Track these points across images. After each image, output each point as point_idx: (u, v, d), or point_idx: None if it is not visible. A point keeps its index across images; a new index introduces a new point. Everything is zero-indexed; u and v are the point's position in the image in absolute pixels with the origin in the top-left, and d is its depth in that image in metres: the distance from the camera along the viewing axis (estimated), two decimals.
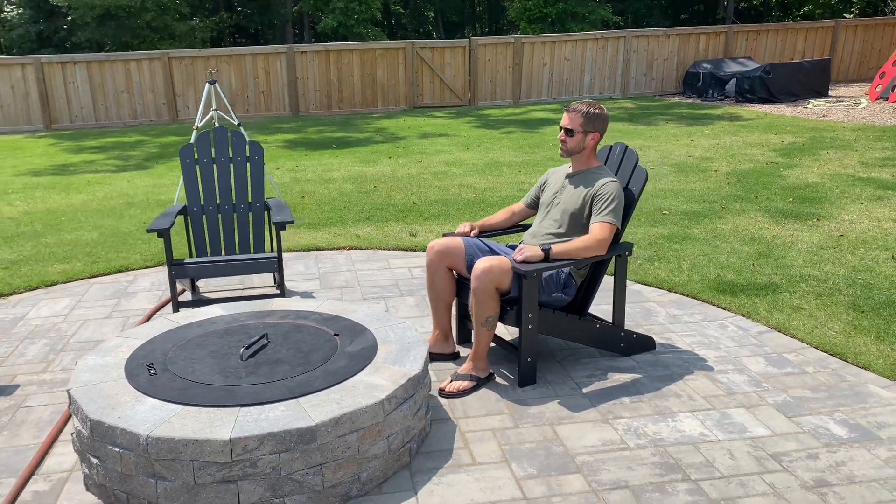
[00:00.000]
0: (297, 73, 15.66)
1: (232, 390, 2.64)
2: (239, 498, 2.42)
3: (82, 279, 5.05)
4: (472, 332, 3.45)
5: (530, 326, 3.33)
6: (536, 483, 2.67)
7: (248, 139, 4.65)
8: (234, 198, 4.61)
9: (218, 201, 4.59)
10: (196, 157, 4.58)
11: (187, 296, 4.68)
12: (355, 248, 5.67)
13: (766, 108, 13.86)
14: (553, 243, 3.43)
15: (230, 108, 6.92)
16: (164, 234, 4.02)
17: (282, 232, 6.03)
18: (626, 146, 3.77)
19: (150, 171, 9.48)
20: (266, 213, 4.62)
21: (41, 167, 10.05)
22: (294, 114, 15.81)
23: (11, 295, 4.78)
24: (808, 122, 11.88)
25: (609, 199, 3.42)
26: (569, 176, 3.65)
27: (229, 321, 3.31)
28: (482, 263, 3.27)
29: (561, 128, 3.53)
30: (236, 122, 6.83)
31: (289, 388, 2.65)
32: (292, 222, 4.11)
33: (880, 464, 2.76)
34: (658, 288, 4.70)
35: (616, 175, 3.74)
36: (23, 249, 5.82)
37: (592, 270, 3.65)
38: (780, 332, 3.99)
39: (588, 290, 3.65)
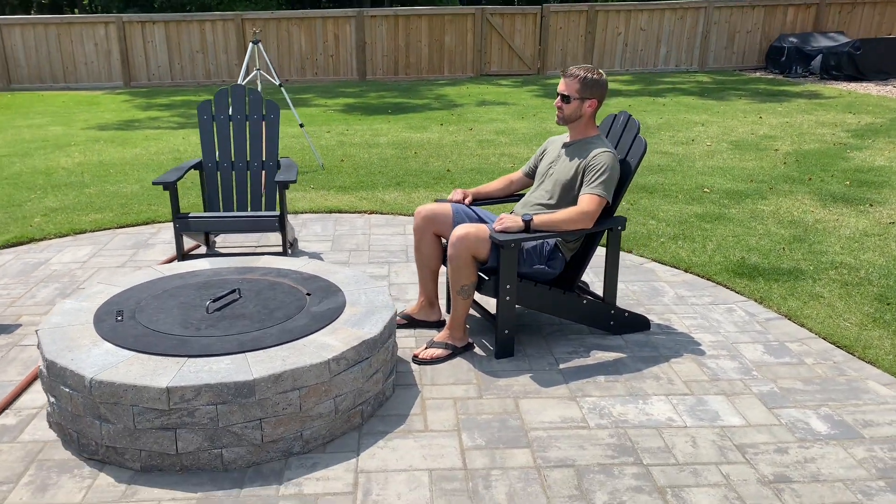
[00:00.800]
0: (366, 37, 15.70)
1: (186, 341, 2.69)
2: (177, 445, 2.47)
3: (110, 229, 5.24)
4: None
5: (508, 298, 3.25)
6: (481, 454, 2.63)
7: (264, 100, 4.68)
8: (248, 155, 4.67)
9: (232, 158, 4.65)
10: (213, 113, 4.65)
11: (202, 251, 4.79)
12: (376, 213, 5.67)
13: (852, 86, 13.05)
14: (539, 214, 3.32)
15: (272, 69, 7.00)
16: (169, 187, 4.11)
17: (308, 194, 6.09)
18: (630, 116, 3.60)
19: None
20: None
21: (109, 122, 10.46)
22: (361, 79, 15.89)
23: (42, 240, 5.01)
24: (894, 102, 11.11)
25: (600, 171, 3.29)
26: (565, 145, 3.52)
27: (210, 275, 3.36)
28: (459, 230, 3.21)
29: (558, 94, 3.40)
30: (277, 83, 6.90)
31: (240, 343, 2.68)
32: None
33: (853, 464, 2.58)
34: (674, 268, 4.51)
35: (616, 146, 3.58)
36: (66, 198, 6.09)
37: (584, 245, 3.53)
38: (789, 319, 3.77)
39: (578, 264, 3.53)
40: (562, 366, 3.28)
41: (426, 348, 3.34)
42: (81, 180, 6.74)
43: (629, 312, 3.59)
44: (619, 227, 3.41)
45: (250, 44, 6.93)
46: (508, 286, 3.23)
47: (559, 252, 3.43)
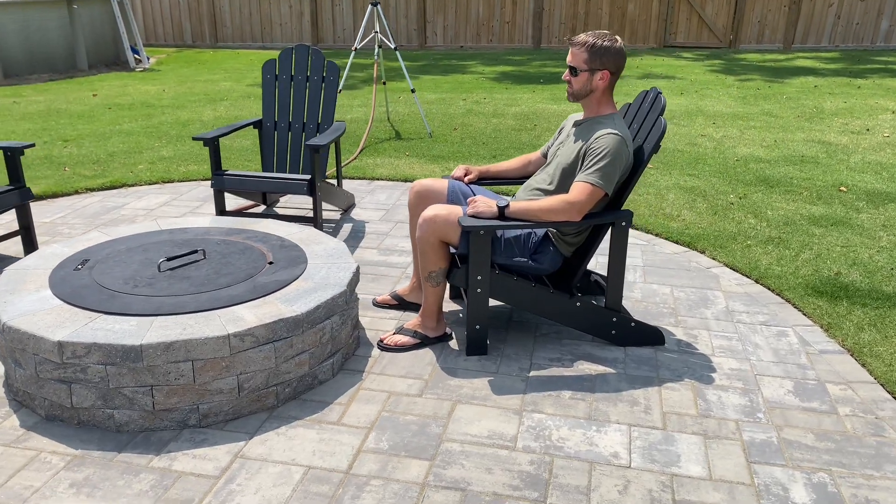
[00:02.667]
0: (544, 3, 15.20)
1: (115, 297, 2.69)
2: (72, 399, 2.49)
3: (195, 181, 5.49)
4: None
5: (479, 291, 2.92)
6: (375, 459, 2.38)
7: (326, 61, 4.60)
8: (305, 117, 4.63)
9: (290, 119, 4.64)
10: (276, 73, 4.66)
11: (259, 209, 4.86)
12: None
13: None
14: (521, 200, 2.94)
15: (388, 32, 6.92)
16: (209, 143, 4.18)
17: (396, 161, 5.99)
18: (659, 92, 3.06)
19: (357, 90, 9.89)
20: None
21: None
22: (535, 47, 15.46)
23: (133, 186, 5.37)
24: None
25: (599, 155, 2.83)
26: (576, 124, 3.08)
27: (198, 233, 3.36)
28: (428, 211, 2.92)
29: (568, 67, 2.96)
30: (393, 46, 6.83)
31: (158, 306, 2.63)
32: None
33: None
34: (744, 276, 3.86)
35: (639, 129, 3.07)
36: (180, 149, 6.49)
37: (588, 240, 3.08)
38: (851, 355, 3.06)
39: (575, 262, 3.10)
40: (532, 373, 2.90)
41: (393, 333, 3.11)
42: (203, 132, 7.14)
43: (637, 322, 3.10)
44: (624, 223, 2.93)
45: (370, 6, 6.89)
46: (479, 277, 2.90)
47: (550, 246, 3.02)
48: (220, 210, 4.29)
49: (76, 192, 5.20)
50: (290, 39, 16.55)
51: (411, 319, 3.23)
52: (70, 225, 4.54)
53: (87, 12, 12.31)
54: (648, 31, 15.08)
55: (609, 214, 2.94)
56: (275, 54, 14.96)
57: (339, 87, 6.88)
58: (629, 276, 3.84)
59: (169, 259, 2.98)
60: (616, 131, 2.85)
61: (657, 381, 2.85)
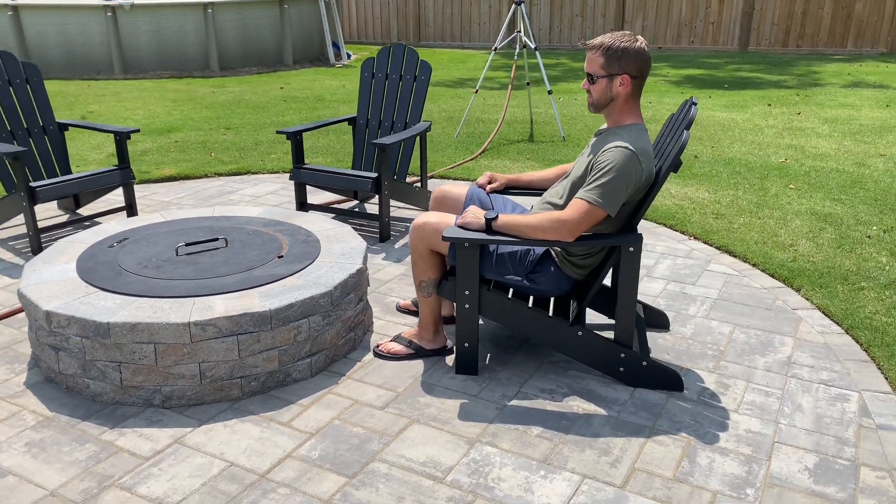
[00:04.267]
0: (755, 2, 13.98)
1: (120, 275, 2.89)
2: (59, 365, 2.71)
3: None
4: None
5: (467, 307, 2.75)
6: (297, 467, 2.33)
7: (418, 61, 4.58)
8: (394, 115, 4.65)
9: (381, 116, 4.69)
10: (374, 71, 4.72)
11: (350, 204, 4.97)
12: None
13: None
14: (515, 214, 2.72)
15: (530, 32, 6.75)
16: (291, 137, 4.34)
17: (506, 163, 5.84)
18: (694, 103, 2.67)
19: (504, 92, 9.78)
20: (419, 135, 4.54)
21: (444, 79, 11.23)
22: (741, 49, 14.28)
23: (257, 174, 5.74)
24: None
25: (602, 170, 2.53)
26: (597, 134, 2.79)
27: (239, 222, 3.50)
28: (419, 218, 2.80)
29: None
30: (533, 46, 6.65)
31: (150, 287, 2.78)
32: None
33: None
34: (835, 322, 3.28)
35: (668, 141, 2.71)
36: (316, 142, 6.82)
37: (602, 264, 2.79)
38: None
39: (583, 289, 2.81)
40: (513, 402, 2.68)
41: (390, 340, 3.03)
42: None
43: (650, 361, 2.74)
44: (632, 248, 2.60)
45: (513, 5, 6.75)
46: (467, 292, 2.73)
47: (552, 267, 2.75)
48: (301, 201, 4.44)
49: (205, 176, 5.66)
50: (486, 39, 16.77)
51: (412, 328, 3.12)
52: (181, 205, 4.95)
53: (296, 11, 13.36)
54: (878, 33, 13.30)
55: (615, 237, 2.62)
56: (464, 53, 15.24)
57: (476, 88, 6.84)
58: (691, 309, 3.41)
59: (188, 244, 3.13)
60: (626, 144, 2.53)
61: (648, 432, 2.50)
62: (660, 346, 3.08)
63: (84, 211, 4.80)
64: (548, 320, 2.75)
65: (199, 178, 5.63)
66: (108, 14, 11.56)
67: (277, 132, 4.29)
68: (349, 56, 14.47)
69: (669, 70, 11.49)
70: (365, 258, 3.17)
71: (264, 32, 12.87)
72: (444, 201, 3.11)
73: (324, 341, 2.86)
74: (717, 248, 4.16)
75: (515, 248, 2.74)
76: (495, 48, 6.86)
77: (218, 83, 10.75)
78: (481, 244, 2.64)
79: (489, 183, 3.13)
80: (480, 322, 3.26)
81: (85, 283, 2.83)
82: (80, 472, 2.29)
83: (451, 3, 16.85)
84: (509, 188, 3.15)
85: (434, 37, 17.32)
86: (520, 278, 2.76)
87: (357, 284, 3.00)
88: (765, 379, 2.82)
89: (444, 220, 2.76)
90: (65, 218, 4.62)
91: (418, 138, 4.58)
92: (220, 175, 5.69)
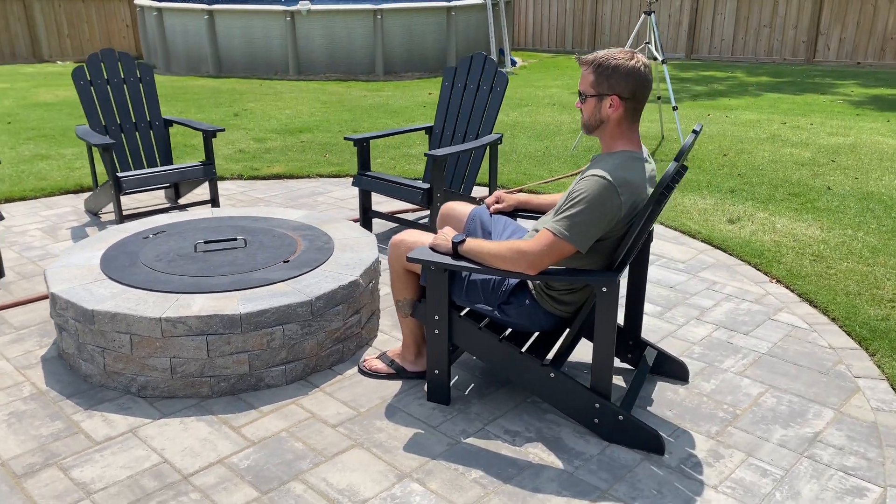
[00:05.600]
0: None
1: (133, 266, 3.07)
2: (61, 344, 2.93)
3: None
4: None
5: (437, 332, 2.62)
6: (221, 474, 2.33)
7: (497, 70, 4.45)
8: (467, 126, 4.56)
9: (455, 127, 4.61)
10: (453, 80, 4.66)
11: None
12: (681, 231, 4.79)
13: None
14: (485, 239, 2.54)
15: (659, 44, 6.32)
16: (358, 143, 4.39)
17: None
18: (696, 131, 2.35)
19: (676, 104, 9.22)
20: (490, 145, 4.41)
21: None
22: None
23: (346, 177, 5.87)
24: None
25: (573, 200, 2.31)
26: (591, 160, 2.54)
27: (273, 224, 3.59)
28: (397, 236, 2.71)
29: None
30: (660, 59, 6.25)
31: (150, 280, 2.92)
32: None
33: None
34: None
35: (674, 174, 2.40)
36: (424, 148, 6.85)
37: (587, 302, 2.54)
38: None
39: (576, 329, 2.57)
40: (469, 440, 2.51)
41: (376, 357, 2.96)
42: None
43: (626, 416, 2.44)
44: (605, 288, 2.33)
45: (643, 14, 6.38)
46: (436, 317, 2.60)
47: (527, 300, 2.54)
48: (365, 208, 4.48)
49: (307, 177, 5.89)
50: (665, 49, 16.01)
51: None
52: (268, 202, 5.18)
53: (463, 18, 13.57)
54: None
55: (587, 275, 2.36)
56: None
57: (667, 100, 6.53)
58: (727, 363, 3.01)
59: (207, 242, 3.26)
60: (603, 174, 2.27)
61: (596, 496, 2.23)
62: (665, 399, 2.74)
63: (183, 201, 5.16)
64: (518, 357, 2.54)
65: (302, 178, 5.86)
66: (288, 19, 12.42)
67: (345, 138, 4.35)
68: (514, 63, 14.44)
69: (855, 88, 10.29)
70: (371, 271, 3.11)
71: (429, 38, 13.19)
72: (447, 219, 2.98)
73: (302, 350, 2.85)
74: (799, 294, 3.64)
75: (489, 275, 2.56)
76: None
77: (375, 87, 11.17)
78: (447, 269, 2.49)
79: (494, 202, 2.95)
80: None
81: (98, 271, 3.03)
82: (35, 448, 2.45)
83: (628, 11, 16.29)
84: (519, 210, 2.95)
85: (608, 44, 16.81)
86: (491, 308, 2.57)
87: (349, 297, 2.96)
88: (771, 455, 2.42)
89: (419, 240, 2.64)
90: (165, 205, 4.99)
91: (488, 150, 4.44)
92: (322, 176, 5.89)
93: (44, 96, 9.79)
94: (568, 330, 2.55)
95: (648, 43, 6.38)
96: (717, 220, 4.70)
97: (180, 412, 2.66)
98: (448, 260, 2.47)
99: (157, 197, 5.29)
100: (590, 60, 2.33)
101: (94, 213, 4.86)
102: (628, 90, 2.29)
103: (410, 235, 2.67)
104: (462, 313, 2.66)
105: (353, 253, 3.24)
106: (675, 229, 4.57)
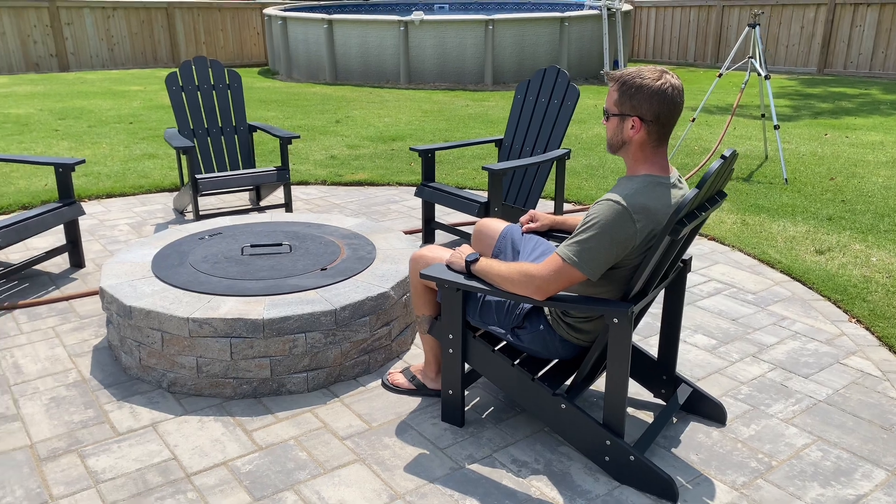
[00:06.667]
0: None
1: (180, 266, 3.20)
2: (108, 336, 3.09)
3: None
4: None
5: (451, 351, 2.56)
6: (222, 476, 2.37)
7: (569, 85, 4.34)
8: (536, 138, 4.46)
9: (523, 140, 4.53)
10: (525, 93, 4.58)
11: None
12: (773, 268, 4.52)
13: None
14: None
15: (762, 57, 5.95)
16: (422, 154, 4.39)
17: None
18: (733, 151, 2.17)
19: (745, 119, 8.67)
20: (557, 161, 4.29)
21: (720, 103, 10.36)
22: None
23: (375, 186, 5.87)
24: None
25: (584, 225, 2.19)
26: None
27: (326, 231, 3.65)
28: (417, 251, 2.68)
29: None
30: (763, 74, 5.89)
31: (191, 280, 3.03)
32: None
33: None
34: None
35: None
36: None
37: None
38: None
39: (595, 360, 2.45)
40: (473, 466, 2.43)
41: (400, 371, 2.94)
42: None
43: (638, 457, 2.29)
44: (616, 320, 2.20)
45: (747, 27, 6.03)
46: (451, 336, 2.54)
47: (541, 325, 2.44)
48: (427, 218, 4.48)
49: (388, 184, 5.95)
50: (793, 63, 15.14)
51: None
52: (342, 208, 5.28)
53: (577, 28, 13.36)
54: None
55: (599, 304, 2.23)
56: (739, 75, 13.87)
57: (693, 117, 6.25)
58: (775, 407, 2.76)
59: (253, 246, 3.35)
60: (618, 198, 2.14)
61: None
62: (694, 442, 2.55)
63: (264, 203, 5.35)
64: (529, 384, 2.44)
65: (383, 185, 5.94)
66: (402, 29, 12.67)
67: (411, 149, 4.36)
68: None
69: None
70: (406, 284, 3.09)
71: (541, 49, 13.07)
72: (480, 236, 2.91)
73: (325, 359, 2.86)
74: (879, 338, 3.30)
75: (504, 297, 2.47)
76: (720, 74, 6.17)
77: (480, 97, 11.19)
78: (459, 288, 2.43)
79: (528, 221, 2.85)
80: None
81: (148, 268, 3.17)
82: (63, 433, 2.59)
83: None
84: (553, 231, 2.84)
85: (733, 59, 16.05)
86: (504, 331, 2.48)
87: (378, 308, 2.95)
88: None
89: (439, 256, 2.59)
90: (246, 207, 5.19)
91: (555, 165, 4.32)
92: (401, 185, 5.94)
93: (167, 99, 10.46)
94: (585, 360, 2.41)
95: (752, 57, 6.01)
96: (803, 249, 4.35)
97: (202, 411, 2.73)
98: (460, 279, 2.40)
99: (242, 199, 5.51)
100: (617, 77, 2.21)
101: (179, 212, 5.12)
102: (651, 112, 2.15)
103: (431, 251, 2.62)
104: (478, 334, 2.57)
105: (392, 264, 3.22)
106: (754, 257, 4.27)
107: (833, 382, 2.93)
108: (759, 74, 5.89)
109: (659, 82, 2.14)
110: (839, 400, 2.81)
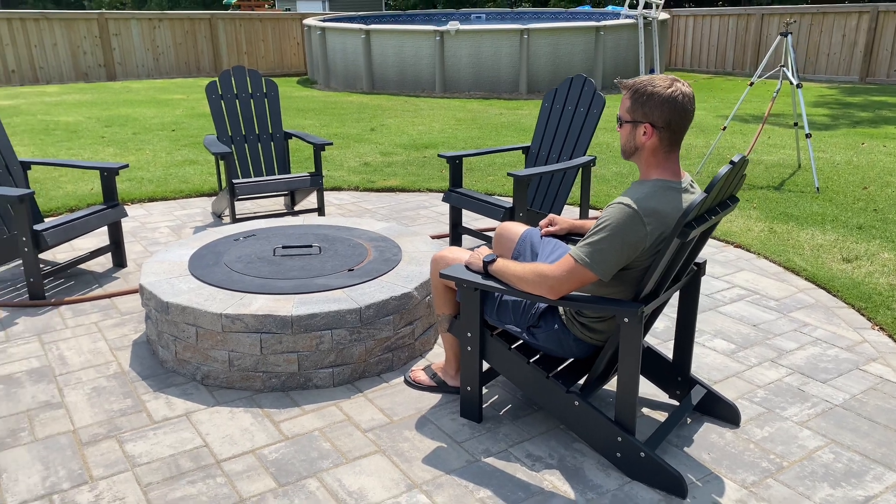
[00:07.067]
0: None
1: (216, 265, 3.35)
2: (148, 330, 3.25)
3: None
4: None
5: (469, 349, 2.66)
6: (249, 463, 2.51)
7: (595, 93, 4.42)
8: (562, 146, 4.55)
9: (550, 147, 4.62)
10: (552, 101, 4.67)
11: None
12: (796, 274, 4.55)
13: None
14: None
15: (794, 66, 5.94)
16: (450, 161, 4.50)
17: (741, 221, 5.27)
18: (741, 157, 2.24)
19: (775, 128, 8.60)
20: (583, 167, 4.37)
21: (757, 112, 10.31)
22: None
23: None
24: None
25: (596, 227, 2.28)
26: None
27: (355, 234, 3.78)
28: (437, 252, 2.79)
29: None
30: (795, 83, 5.89)
31: (226, 279, 3.18)
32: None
33: None
34: None
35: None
36: None
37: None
38: None
39: (607, 361, 2.53)
40: (489, 460, 2.53)
41: (422, 369, 3.04)
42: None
43: (648, 454, 2.36)
44: (626, 319, 2.28)
45: (779, 35, 6.03)
46: (469, 334, 2.64)
47: (556, 324, 2.53)
48: (454, 223, 4.58)
49: (418, 191, 6.08)
50: (834, 72, 14.94)
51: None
52: (372, 213, 5.42)
53: (612, 37, 13.38)
54: None
55: (610, 304, 2.31)
56: (807, 86, 13.70)
57: (724, 125, 6.27)
58: (790, 411, 2.80)
59: (284, 247, 3.49)
60: (628, 201, 2.22)
61: None
62: (707, 441, 2.60)
63: (298, 208, 5.51)
64: (543, 381, 2.52)
65: (413, 191, 6.07)
66: (437, 38, 12.84)
67: (439, 155, 4.48)
68: None
69: None
70: (429, 285, 3.19)
71: (576, 58, 13.12)
72: (501, 239, 3.01)
73: (350, 355, 2.98)
74: None
75: (520, 296, 2.56)
76: (752, 82, 6.17)
77: (514, 105, 11.28)
78: (476, 287, 2.53)
79: (547, 225, 2.94)
80: None
81: (185, 267, 3.33)
82: (104, 420, 2.75)
83: (797, 30, 15.33)
84: (571, 234, 2.92)
85: (768, 66, 15.90)
86: (519, 329, 2.57)
87: (401, 308, 3.06)
88: None
89: (458, 257, 2.69)
90: (281, 211, 5.36)
91: (581, 172, 4.39)
92: (431, 191, 6.06)
93: (208, 108, 10.77)
94: (598, 358, 2.49)
95: (784, 65, 6.00)
96: (830, 257, 4.36)
97: (233, 402, 2.87)
98: (478, 279, 2.50)
99: (277, 203, 5.68)
100: (629, 85, 2.29)
101: (217, 215, 5.31)
102: (662, 119, 2.23)
103: (451, 252, 2.72)
104: (495, 333, 2.67)
105: (417, 266, 3.34)
106: (780, 264, 4.28)
107: (851, 388, 2.96)
108: (791, 83, 5.88)
109: (670, 90, 2.21)
110: (856, 405, 2.83)
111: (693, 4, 25.19)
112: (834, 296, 3.85)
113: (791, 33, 5.66)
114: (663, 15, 14.55)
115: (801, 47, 15.33)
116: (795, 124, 6.39)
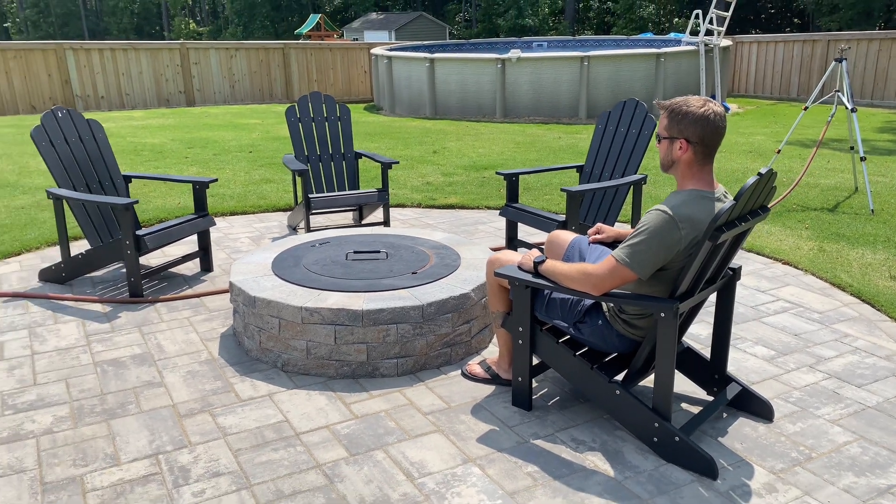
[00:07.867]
0: None
1: (295, 267, 3.74)
2: (234, 323, 3.65)
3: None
4: None
5: (521, 342, 2.96)
6: (324, 436, 2.84)
7: (645, 116, 4.68)
8: (615, 165, 4.81)
9: (602, 166, 4.89)
10: (606, 123, 4.95)
11: None
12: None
13: None
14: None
15: (848, 92, 6.07)
16: (507, 178, 4.82)
17: (782, 231, 5.44)
18: (769, 170, 2.49)
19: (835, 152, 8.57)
20: (634, 185, 4.63)
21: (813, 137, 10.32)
22: None
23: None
24: None
25: (637, 231, 2.56)
26: None
27: (417, 242, 4.12)
28: (493, 254, 3.10)
29: None
30: (850, 108, 6.02)
31: (304, 278, 3.56)
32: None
33: None
34: None
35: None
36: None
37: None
38: None
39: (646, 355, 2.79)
40: (536, 441, 2.80)
41: (478, 363, 3.34)
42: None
43: (682, 438, 2.61)
44: (662, 314, 2.54)
45: (833, 61, 6.18)
46: (520, 329, 2.94)
47: (600, 320, 2.80)
48: (510, 237, 4.89)
49: (477, 208, 6.41)
50: None
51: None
52: (433, 227, 5.76)
53: (672, 64, 13.54)
54: None
55: (647, 301, 2.57)
56: (873, 111, 13.61)
57: (779, 149, 6.42)
58: (824, 409, 2.99)
59: (356, 252, 3.86)
60: (665, 208, 2.50)
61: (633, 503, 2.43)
62: (740, 433, 2.82)
63: (365, 222, 5.91)
64: (588, 372, 2.79)
65: (472, 208, 6.40)
66: (499, 66, 13.25)
67: (497, 173, 4.80)
68: (728, 109, 14.08)
69: None
70: (485, 287, 3.50)
71: (637, 84, 13.32)
72: (552, 245, 3.29)
73: (413, 348, 3.30)
74: None
75: (567, 294, 2.84)
76: (806, 107, 6.32)
77: (573, 130, 11.55)
78: (528, 285, 2.82)
79: (594, 233, 3.21)
80: None
81: (269, 268, 3.73)
82: (198, 397, 3.14)
83: (864, 56, 15.18)
84: (617, 242, 3.19)
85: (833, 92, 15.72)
86: (566, 324, 2.85)
87: (459, 307, 3.37)
88: (830, 497, 2.43)
89: (511, 259, 2.99)
90: (349, 224, 5.77)
91: (632, 190, 4.65)
92: (489, 208, 6.39)
93: (283, 131, 11.37)
94: (638, 352, 2.74)
95: (838, 90, 6.14)
96: (878, 275, 4.48)
97: (309, 386, 3.22)
98: (529, 277, 2.80)
99: (346, 218, 6.09)
100: (666, 105, 2.57)
101: (292, 228, 5.74)
102: (696, 135, 2.50)
103: (505, 255, 3.03)
104: (545, 328, 2.95)
105: (474, 271, 3.65)
106: (826, 280, 4.43)
107: (886, 392, 3.12)
108: (846, 107, 6.01)
109: (702, 109, 2.49)
110: (888, 407, 3.00)
111: (760, 31, 25.05)
112: (878, 310, 3.99)
113: (846, 59, 5.80)
114: (725, 41, 14.63)
115: (868, 73, 15.17)
116: (851, 148, 6.49)
